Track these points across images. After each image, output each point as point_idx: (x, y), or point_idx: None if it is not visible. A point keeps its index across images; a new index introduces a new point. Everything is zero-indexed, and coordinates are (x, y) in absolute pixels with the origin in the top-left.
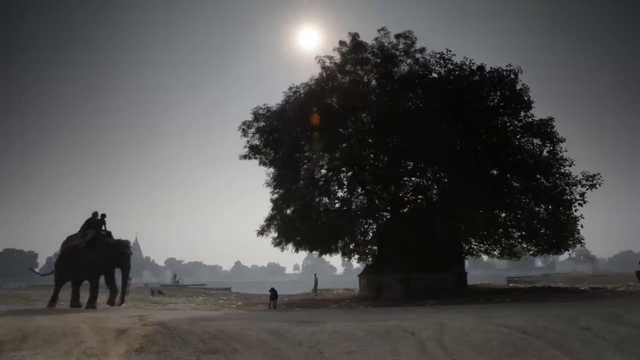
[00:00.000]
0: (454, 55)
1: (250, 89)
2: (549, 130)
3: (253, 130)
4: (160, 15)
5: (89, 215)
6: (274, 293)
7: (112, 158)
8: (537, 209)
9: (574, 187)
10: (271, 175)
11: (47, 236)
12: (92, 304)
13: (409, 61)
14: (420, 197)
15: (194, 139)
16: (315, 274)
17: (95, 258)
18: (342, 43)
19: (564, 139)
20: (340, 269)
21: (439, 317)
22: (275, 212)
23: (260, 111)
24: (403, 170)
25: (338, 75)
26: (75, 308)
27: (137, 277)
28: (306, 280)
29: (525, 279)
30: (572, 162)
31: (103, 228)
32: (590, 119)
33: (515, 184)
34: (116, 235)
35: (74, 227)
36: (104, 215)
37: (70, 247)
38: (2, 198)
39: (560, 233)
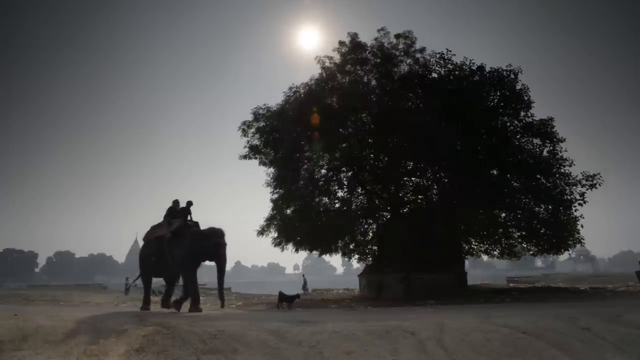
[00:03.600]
0: (454, 55)
1: (250, 89)
2: (549, 130)
3: (253, 130)
4: (160, 15)
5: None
6: (282, 296)
7: (112, 158)
8: (537, 209)
9: (574, 187)
10: (271, 175)
11: (47, 236)
12: (196, 305)
13: (408, 61)
14: (420, 197)
15: (194, 139)
16: (303, 275)
17: (184, 250)
18: (341, 43)
19: (564, 139)
20: (340, 269)
21: (439, 317)
22: (275, 212)
23: (260, 111)
24: (403, 170)
25: (338, 75)
26: (165, 309)
27: None
28: (316, 281)
29: (525, 279)
30: (572, 162)
31: (189, 218)
32: (590, 119)
33: (515, 184)
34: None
35: (74, 227)
36: (189, 203)
37: (154, 238)
38: (2, 198)
39: (560, 233)
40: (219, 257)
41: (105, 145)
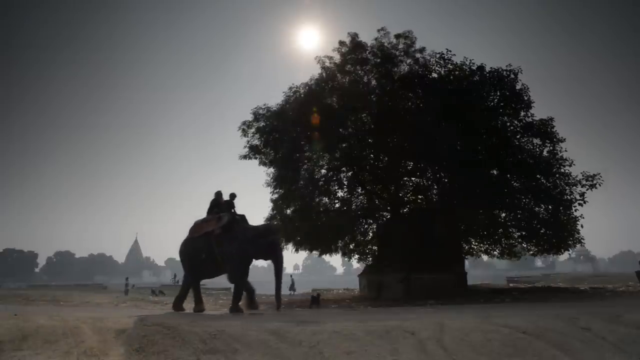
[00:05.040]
0: (454, 55)
1: (250, 89)
2: (549, 130)
3: (253, 130)
4: (160, 15)
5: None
6: (313, 299)
7: (112, 158)
8: (537, 209)
9: (574, 187)
10: (271, 175)
11: (47, 236)
12: (236, 306)
13: (408, 61)
14: (420, 197)
15: (194, 139)
16: (291, 275)
17: (237, 248)
18: (341, 43)
19: (564, 139)
20: (340, 269)
21: (439, 317)
22: (275, 212)
23: (260, 111)
24: (403, 170)
25: (338, 75)
26: (180, 311)
27: (137, 277)
28: (307, 281)
29: (525, 279)
30: (572, 162)
31: (233, 211)
32: (590, 119)
33: (515, 184)
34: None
35: (74, 227)
36: (233, 196)
37: (202, 234)
38: (2, 198)
39: (560, 233)
40: (277, 256)
41: (105, 145)
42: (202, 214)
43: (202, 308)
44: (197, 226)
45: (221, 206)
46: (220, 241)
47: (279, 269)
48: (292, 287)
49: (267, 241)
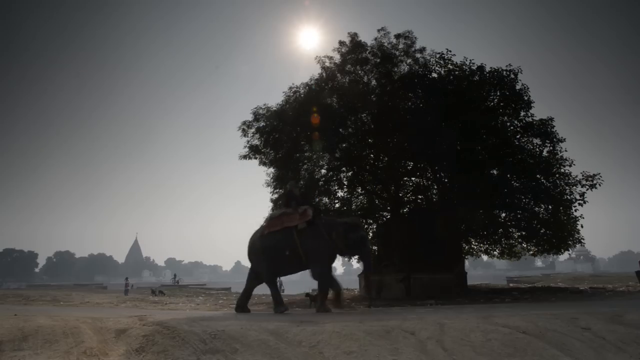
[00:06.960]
0: (454, 55)
1: (250, 89)
2: (548, 130)
3: (253, 130)
4: (160, 15)
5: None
6: (311, 296)
7: (112, 158)
8: (537, 209)
9: (574, 187)
10: (271, 175)
11: (47, 236)
12: (324, 305)
13: (408, 61)
14: (420, 197)
15: (194, 139)
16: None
17: (324, 242)
18: (341, 43)
19: (564, 139)
20: (340, 269)
21: (439, 317)
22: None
23: (260, 111)
24: (403, 170)
25: (338, 75)
26: (243, 313)
27: (137, 277)
28: (306, 281)
29: (525, 279)
30: (572, 162)
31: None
32: (591, 118)
33: (515, 184)
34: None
35: (74, 227)
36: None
37: (282, 229)
38: (2, 198)
39: (560, 233)
40: (366, 252)
41: (105, 145)
42: (202, 213)
43: (285, 308)
44: (276, 220)
45: (298, 199)
46: (304, 236)
47: (369, 263)
48: (280, 287)
49: (357, 236)
